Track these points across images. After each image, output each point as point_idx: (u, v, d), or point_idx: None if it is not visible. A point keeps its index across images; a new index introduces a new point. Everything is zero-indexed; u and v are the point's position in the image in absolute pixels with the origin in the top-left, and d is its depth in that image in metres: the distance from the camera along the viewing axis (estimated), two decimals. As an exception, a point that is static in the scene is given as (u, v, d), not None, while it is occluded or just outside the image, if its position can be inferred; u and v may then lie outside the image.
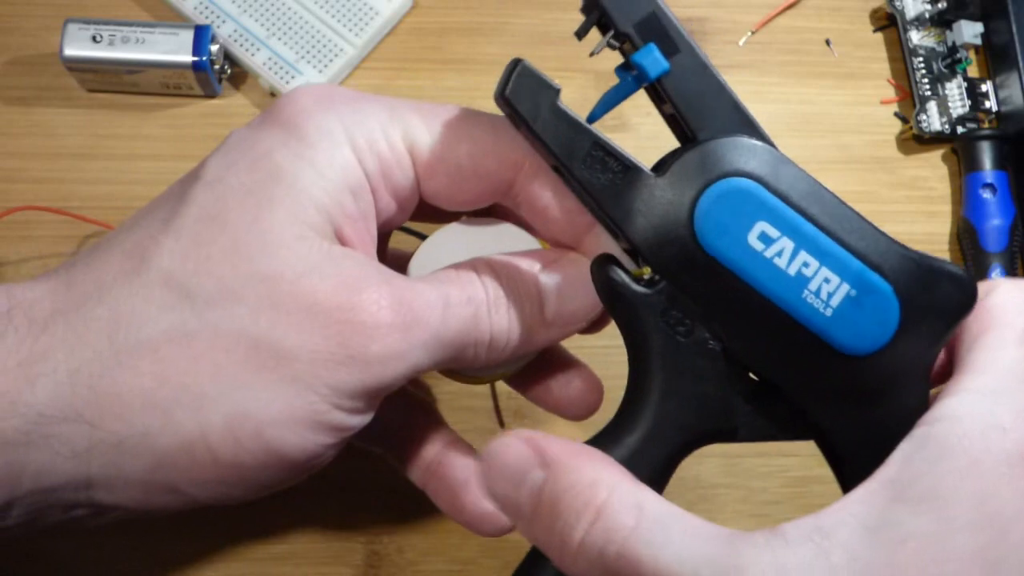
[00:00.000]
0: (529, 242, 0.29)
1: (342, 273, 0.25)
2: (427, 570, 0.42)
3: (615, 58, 0.25)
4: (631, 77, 0.25)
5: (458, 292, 0.27)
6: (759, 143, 0.24)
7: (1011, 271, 0.46)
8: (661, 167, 0.25)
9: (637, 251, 0.25)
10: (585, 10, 0.25)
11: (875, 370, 0.25)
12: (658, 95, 0.25)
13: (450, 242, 0.30)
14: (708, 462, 0.44)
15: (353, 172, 0.26)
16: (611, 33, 0.24)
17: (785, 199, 0.24)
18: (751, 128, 0.25)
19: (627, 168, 0.24)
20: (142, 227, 0.26)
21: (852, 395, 0.25)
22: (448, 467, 0.32)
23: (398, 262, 0.30)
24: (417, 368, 0.26)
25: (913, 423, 0.23)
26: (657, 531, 0.22)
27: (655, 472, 0.25)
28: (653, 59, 0.24)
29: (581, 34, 0.25)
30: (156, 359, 0.24)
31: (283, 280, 0.24)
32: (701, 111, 0.25)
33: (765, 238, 0.24)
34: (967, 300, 0.25)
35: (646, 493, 0.22)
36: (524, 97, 0.24)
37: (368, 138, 0.26)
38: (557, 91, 0.24)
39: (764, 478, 0.44)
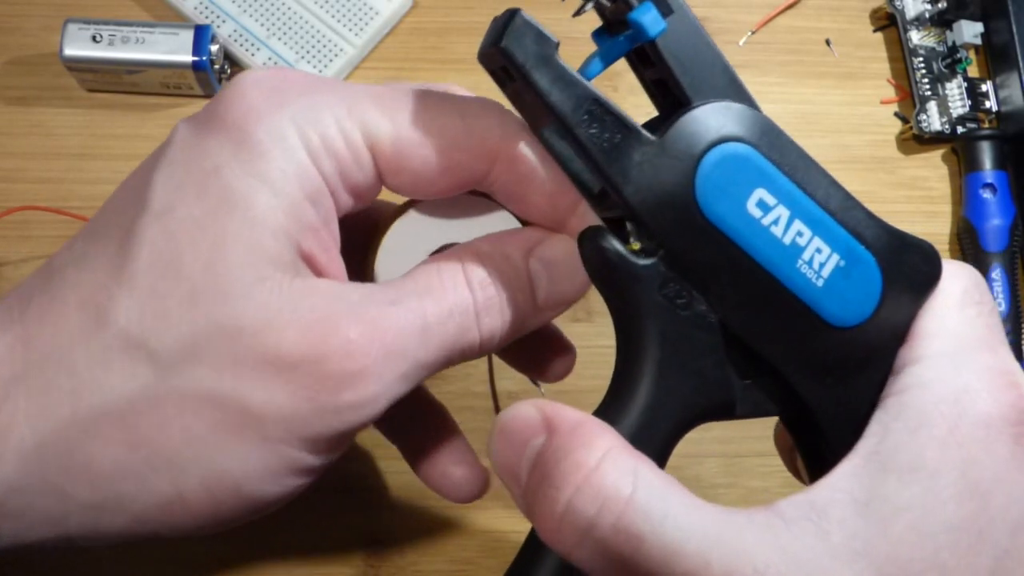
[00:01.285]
0: (506, 216, 0.28)
1: (305, 317, 0.23)
2: (427, 570, 0.42)
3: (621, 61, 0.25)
4: (623, 37, 0.24)
5: (437, 306, 0.25)
6: (754, 110, 0.24)
7: (1011, 271, 0.46)
8: (654, 130, 0.24)
9: (633, 215, 0.24)
10: None
11: (859, 342, 0.25)
12: (646, 58, 0.24)
13: (420, 225, 0.28)
14: (708, 462, 0.44)
15: (310, 179, 0.24)
16: None
17: (780, 167, 0.24)
18: (742, 94, 0.24)
19: (626, 128, 0.23)
20: (93, 267, 0.24)
21: (837, 367, 0.25)
22: (421, 427, 0.32)
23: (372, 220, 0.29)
24: (397, 398, 0.25)
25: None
26: (656, 503, 0.21)
27: (655, 454, 0.24)
28: (652, 17, 0.23)
29: None
30: (124, 427, 0.23)
31: (244, 334, 0.23)
32: (695, 75, 0.24)
33: (763, 205, 0.24)
34: (935, 272, 0.25)
35: (642, 461, 0.22)
36: (522, 49, 0.23)
37: (323, 136, 0.24)
38: (556, 44, 0.23)
39: (764, 478, 0.43)
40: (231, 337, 0.23)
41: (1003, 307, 0.46)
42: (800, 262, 0.24)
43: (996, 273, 0.46)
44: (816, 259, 0.24)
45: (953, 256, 0.48)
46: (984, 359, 0.24)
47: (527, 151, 0.25)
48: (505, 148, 0.25)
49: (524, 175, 0.26)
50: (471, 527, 0.42)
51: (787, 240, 0.24)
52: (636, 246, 0.24)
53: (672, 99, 0.24)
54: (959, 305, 0.25)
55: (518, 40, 0.23)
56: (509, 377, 0.44)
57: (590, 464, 0.21)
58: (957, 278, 0.25)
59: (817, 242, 0.24)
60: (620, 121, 0.23)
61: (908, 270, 0.25)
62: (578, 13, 0.24)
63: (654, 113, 0.26)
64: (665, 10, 0.23)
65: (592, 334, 0.44)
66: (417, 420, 0.33)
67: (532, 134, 0.25)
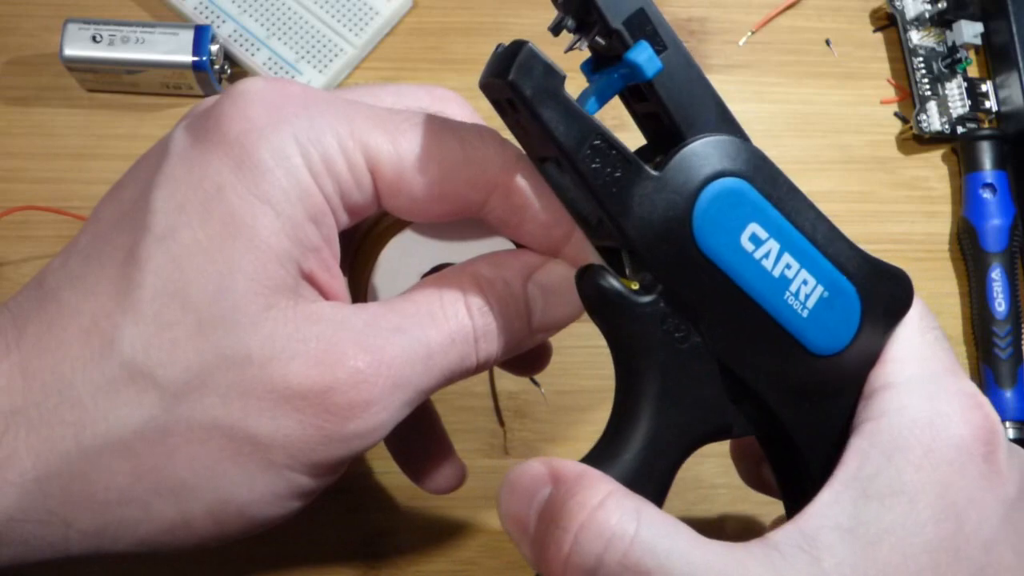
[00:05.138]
0: (500, 239, 0.28)
1: (312, 348, 0.23)
2: (427, 570, 0.42)
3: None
4: (617, 75, 0.24)
5: (440, 334, 0.25)
6: (748, 143, 0.24)
7: (1011, 271, 0.46)
8: (646, 158, 0.24)
9: (632, 248, 0.24)
10: (565, 6, 0.23)
11: (838, 369, 0.25)
12: (639, 93, 0.24)
13: (416, 244, 0.28)
14: (708, 462, 0.43)
15: (312, 199, 0.24)
16: (596, 29, 0.23)
17: (771, 200, 0.24)
18: (734, 126, 0.24)
19: (627, 163, 0.23)
20: (94, 292, 0.24)
21: (816, 392, 0.26)
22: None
23: None
24: (397, 422, 0.25)
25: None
26: (661, 539, 0.22)
27: (658, 484, 0.25)
28: (648, 57, 0.23)
29: (557, 30, 0.24)
30: (129, 457, 0.23)
31: (252, 364, 0.23)
32: (689, 110, 0.24)
33: (755, 239, 0.24)
34: (908, 298, 0.26)
35: (644, 502, 0.22)
36: (530, 82, 0.22)
37: (325, 157, 0.24)
38: (563, 78, 0.23)
39: (764, 478, 0.44)
40: (239, 367, 0.23)
41: (1003, 307, 0.45)
42: (788, 294, 0.24)
43: (996, 273, 0.46)
44: (802, 291, 0.25)
45: (953, 256, 0.48)
46: (951, 383, 0.25)
47: (524, 183, 0.25)
48: (502, 179, 0.25)
49: (520, 206, 0.26)
50: (471, 527, 0.42)
51: (776, 273, 0.24)
52: (635, 285, 0.24)
53: (663, 131, 0.24)
54: (920, 331, 0.26)
55: (526, 73, 0.22)
56: (509, 377, 0.44)
57: (593, 503, 0.22)
58: (913, 305, 0.26)
59: (804, 274, 0.25)
60: (622, 156, 0.23)
61: (884, 298, 0.26)
62: (570, 49, 0.24)
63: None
64: (659, 46, 0.23)
65: (592, 334, 0.44)
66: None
67: (529, 165, 0.26)
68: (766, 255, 0.24)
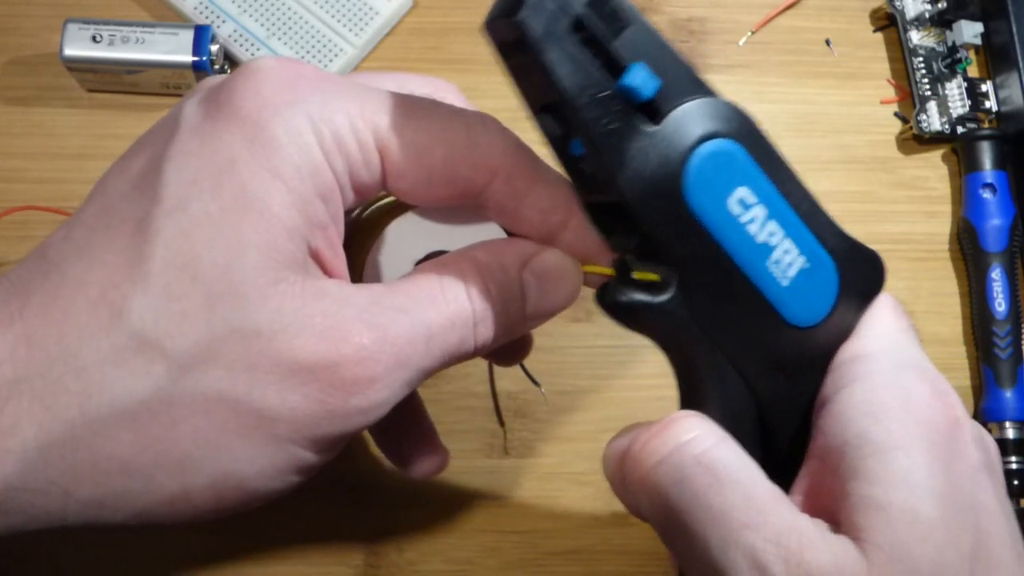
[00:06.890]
0: (494, 227, 0.29)
1: (318, 323, 0.24)
2: (427, 570, 0.42)
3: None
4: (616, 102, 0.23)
5: (440, 316, 0.26)
6: (741, 109, 0.24)
7: (1011, 271, 0.46)
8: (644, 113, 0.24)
9: (623, 200, 0.24)
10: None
11: (812, 343, 0.26)
12: None
13: (416, 228, 0.29)
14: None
15: (323, 176, 0.24)
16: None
17: (761, 166, 0.24)
18: (708, 91, 0.24)
19: (625, 116, 0.23)
20: (102, 263, 0.24)
21: (790, 365, 0.26)
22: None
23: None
24: (397, 400, 0.26)
25: None
26: (736, 460, 0.24)
27: (753, 449, 0.25)
28: (644, 78, 0.23)
29: None
30: (133, 427, 0.23)
31: (259, 338, 0.23)
32: (664, 86, 0.24)
33: (743, 203, 0.24)
34: (880, 280, 0.27)
35: (731, 437, 0.25)
36: (539, 22, 0.22)
37: (336, 135, 0.24)
38: (570, 23, 0.22)
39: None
40: (247, 340, 0.23)
41: (1003, 307, 0.45)
42: (770, 261, 0.25)
43: (996, 273, 0.46)
44: (784, 259, 0.25)
45: (953, 257, 0.48)
46: (919, 362, 0.26)
47: (525, 169, 0.26)
48: (505, 164, 0.26)
49: (520, 191, 0.26)
50: (470, 527, 0.42)
51: (760, 239, 0.24)
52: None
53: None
54: (894, 315, 0.27)
55: (537, 13, 0.22)
56: (509, 377, 0.44)
57: (686, 413, 0.25)
58: (886, 294, 0.27)
59: (787, 243, 0.25)
60: (621, 108, 0.23)
61: (860, 278, 0.26)
62: None
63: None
64: (621, 23, 0.23)
65: (591, 334, 0.44)
66: None
67: (529, 153, 0.26)
68: (752, 220, 0.24)
